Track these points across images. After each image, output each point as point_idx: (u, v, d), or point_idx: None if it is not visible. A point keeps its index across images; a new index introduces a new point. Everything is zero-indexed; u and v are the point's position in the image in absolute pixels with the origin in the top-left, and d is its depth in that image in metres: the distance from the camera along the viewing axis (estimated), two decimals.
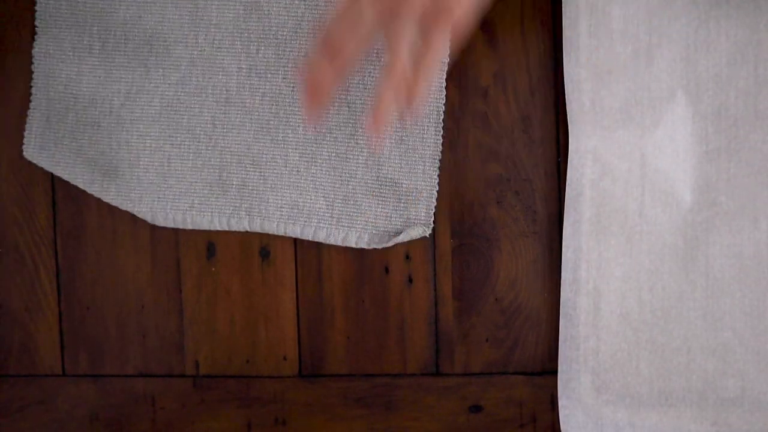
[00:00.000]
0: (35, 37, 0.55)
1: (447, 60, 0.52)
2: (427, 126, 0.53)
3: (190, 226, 0.54)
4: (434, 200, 0.53)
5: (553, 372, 0.53)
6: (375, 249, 0.54)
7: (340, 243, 0.53)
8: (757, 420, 0.51)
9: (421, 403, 0.55)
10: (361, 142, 0.53)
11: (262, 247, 0.56)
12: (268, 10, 0.53)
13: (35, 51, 0.55)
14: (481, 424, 0.54)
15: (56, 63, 0.55)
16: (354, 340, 0.55)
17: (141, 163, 0.54)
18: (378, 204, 0.53)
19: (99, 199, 0.55)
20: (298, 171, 0.54)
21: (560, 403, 0.52)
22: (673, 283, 0.51)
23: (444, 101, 0.53)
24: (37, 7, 0.55)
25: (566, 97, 0.52)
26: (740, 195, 0.51)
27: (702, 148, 0.51)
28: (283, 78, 0.54)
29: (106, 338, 0.56)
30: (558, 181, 0.54)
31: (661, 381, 0.51)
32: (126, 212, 0.55)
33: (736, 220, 0.51)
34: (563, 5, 0.51)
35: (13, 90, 0.56)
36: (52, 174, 0.56)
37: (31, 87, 0.55)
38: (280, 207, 0.54)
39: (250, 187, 0.54)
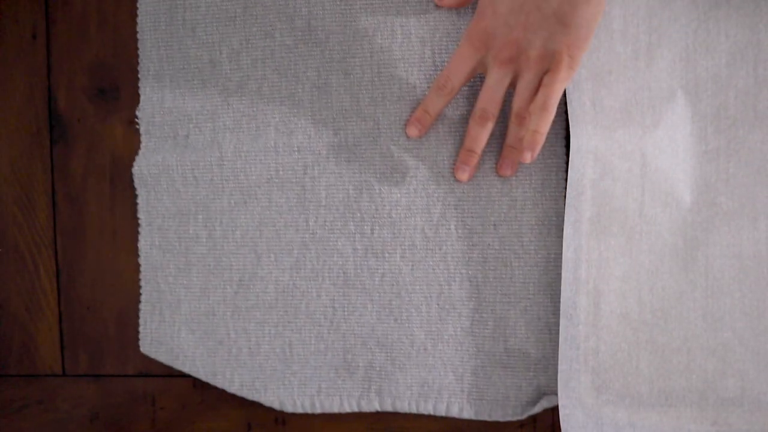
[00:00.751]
0: (139, 230, 0.55)
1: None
2: (550, 294, 0.52)
3: (319, 410, 0.54)
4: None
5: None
6: None
7: (473, 417, 0.53)
8: (757, 420, 0.51)
9: None
10: (486, 315, 0.52)
11: None
12: (380, 189, 0.52)
13: (141, 244, 0.55)
14: (481, 424, 0.54)
15: (163, 254, 0.54)
16: None
17: (261, 350, 0.54)
18: (507, 375, 0.53)
19: (99, 199, 0.55)
20: (425, 349, 0.53)
21: (560, 403, 0.52)
22: (673, 283, 0.51)
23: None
24: (138, 200, 0.54)
25: (566, 97, 0.52)
26: (740, 195, 0.51)
27: (701, 148, 0.51)
28: (401, 257, 0.53)
29: (106, 338, 0.56)
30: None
31: (661, 381, 0.51)
32: (126, 211, 0.55)
33: (736, 220, 0.51)
34: None
35: (14, 89, 0.56)
36: (52, 174, 0.56)
37: (140, 280, 0.55)
38: (410, 386, 0.53)
39: (378, 369, 0.53)
